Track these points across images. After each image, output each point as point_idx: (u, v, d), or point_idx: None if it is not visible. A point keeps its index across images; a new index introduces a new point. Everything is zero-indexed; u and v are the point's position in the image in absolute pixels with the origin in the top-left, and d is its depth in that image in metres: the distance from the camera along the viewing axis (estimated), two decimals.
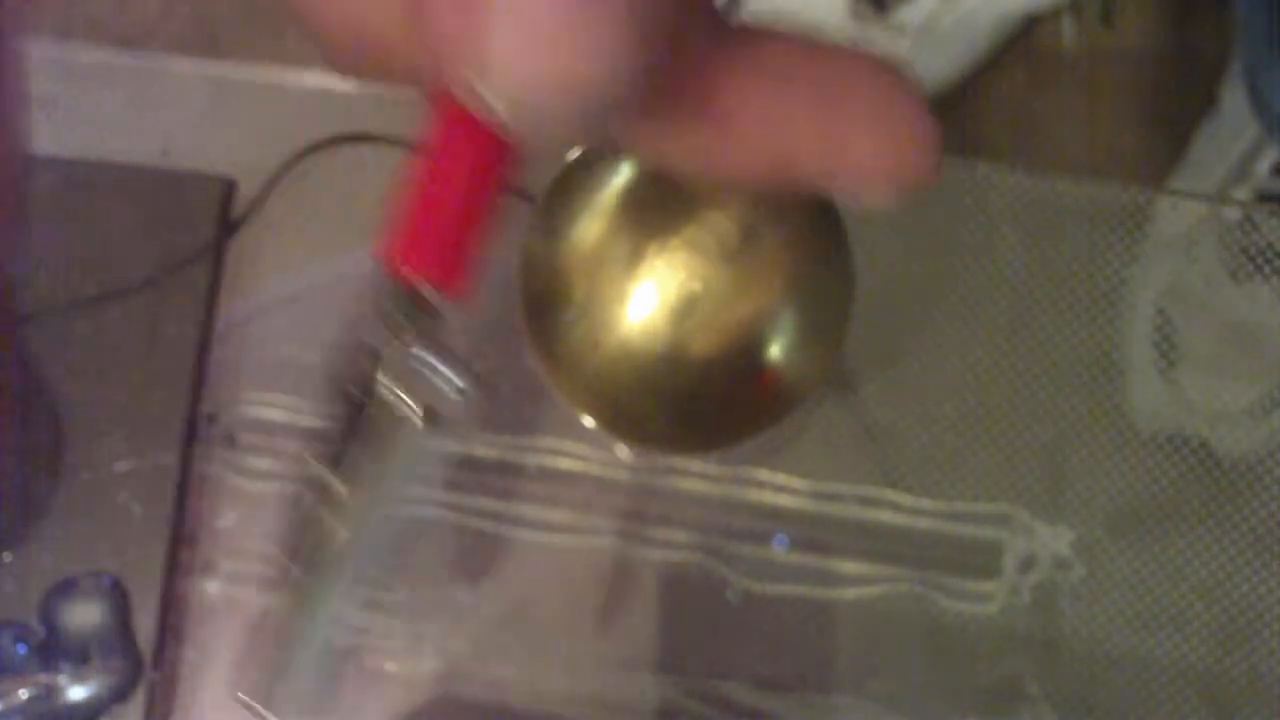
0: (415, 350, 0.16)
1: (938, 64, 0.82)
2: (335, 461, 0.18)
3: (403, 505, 0.17)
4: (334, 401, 0.18)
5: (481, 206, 0.16)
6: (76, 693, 0.44)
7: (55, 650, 0.44)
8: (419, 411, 0.17)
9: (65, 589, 0.45)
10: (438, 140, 0.16)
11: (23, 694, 0.43)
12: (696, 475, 0.46)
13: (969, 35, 0.82)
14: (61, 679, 0.44)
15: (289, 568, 0.18)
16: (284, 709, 0.17)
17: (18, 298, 0.46)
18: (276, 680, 0.17)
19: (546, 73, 0.13)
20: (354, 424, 0.17)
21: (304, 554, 0.18)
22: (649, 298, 0.38)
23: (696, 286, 0.38)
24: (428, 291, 0.17)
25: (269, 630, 0.18)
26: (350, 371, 0.18)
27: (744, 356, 0.38)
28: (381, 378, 0.17)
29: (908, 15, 0.79)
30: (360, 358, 0.18)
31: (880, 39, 0.79)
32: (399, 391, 0.16)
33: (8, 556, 0.45)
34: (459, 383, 0.17)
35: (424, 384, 0.17)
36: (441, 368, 0.17)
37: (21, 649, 0.44)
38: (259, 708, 0.17)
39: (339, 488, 0.17)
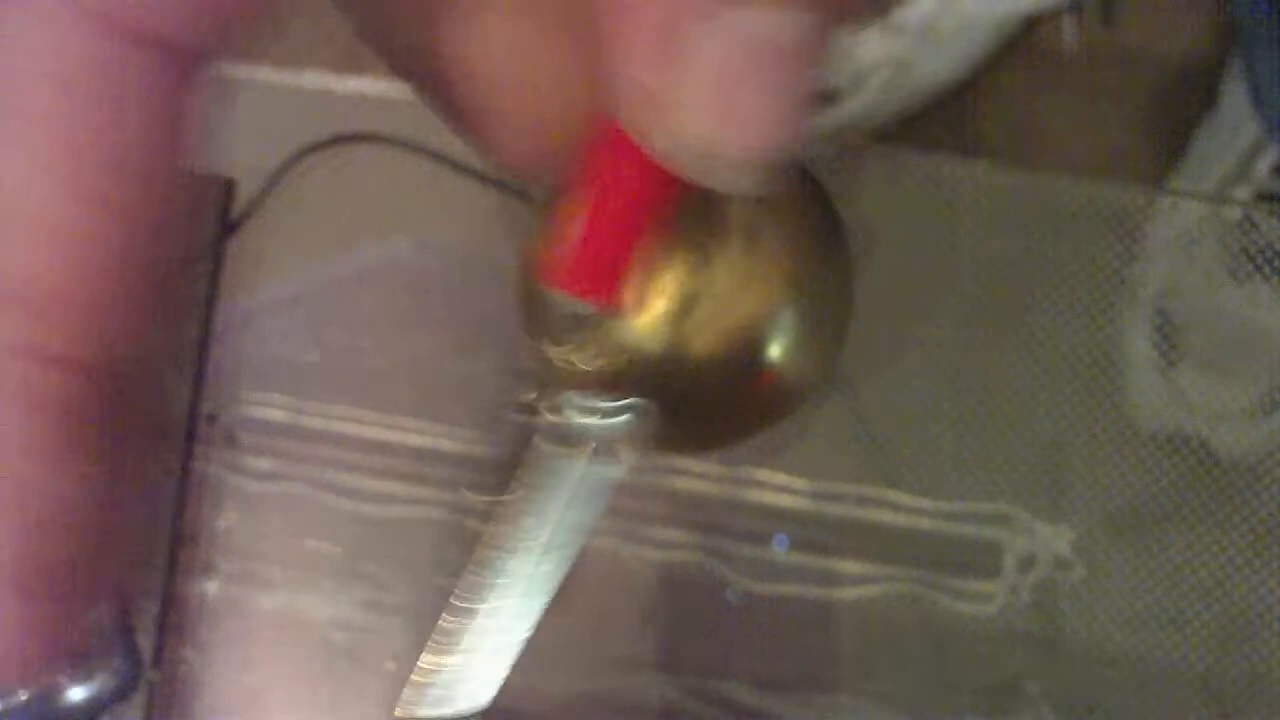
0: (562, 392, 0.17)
1: (938, 64, 0.82)
2: (498, 490, 0.18)
3: (571, 535, 0.17)
4: (498, 429, 0.19)
5: (642, 232, 0.18)
6: (76, 693, 0.44)
7: None
8: (586, 440, 0.17)
9: None
10: (604, 170, 0.17)
11: (23, 694, 0.43)
12: (696, 475, 0.46)
13: (969, 35, 0.82)
14: (61, 679, 0.44)
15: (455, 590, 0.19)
16: None
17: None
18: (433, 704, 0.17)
19: (734, 139, 0.15)
20: (519, 452, 0.18)
21: (468, 580, 0.19)
22: (649, 298, 0.38)
23: (696, 286, 0.38)
24: (588, 310, 0.18)
25: (428, 650, 0.18)
26: (514, 399, 0.19)
27: (744, 356, 0.38)
28: (546, 405, 0.17)
29: (908, 15, 0.79)
30: (524, 385, 0.18)
31: (880, 39, 0.79)
32: (565, 418, 0.17)
33: None
34: (624, 408, 0.17)
35: (589, 411, 0.17)
36: (605, 395, 0.17)
37: None
38: None
39: (502, 518, 0.17)
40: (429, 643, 0.18)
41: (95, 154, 0.15)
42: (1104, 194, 0.48)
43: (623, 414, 0.17)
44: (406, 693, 0.18)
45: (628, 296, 0.18)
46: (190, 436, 0.46)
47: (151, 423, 0.18)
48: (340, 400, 0.47)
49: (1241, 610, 0.46)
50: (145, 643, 0.44)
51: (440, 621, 0.18)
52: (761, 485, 0.46)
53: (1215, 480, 0.46)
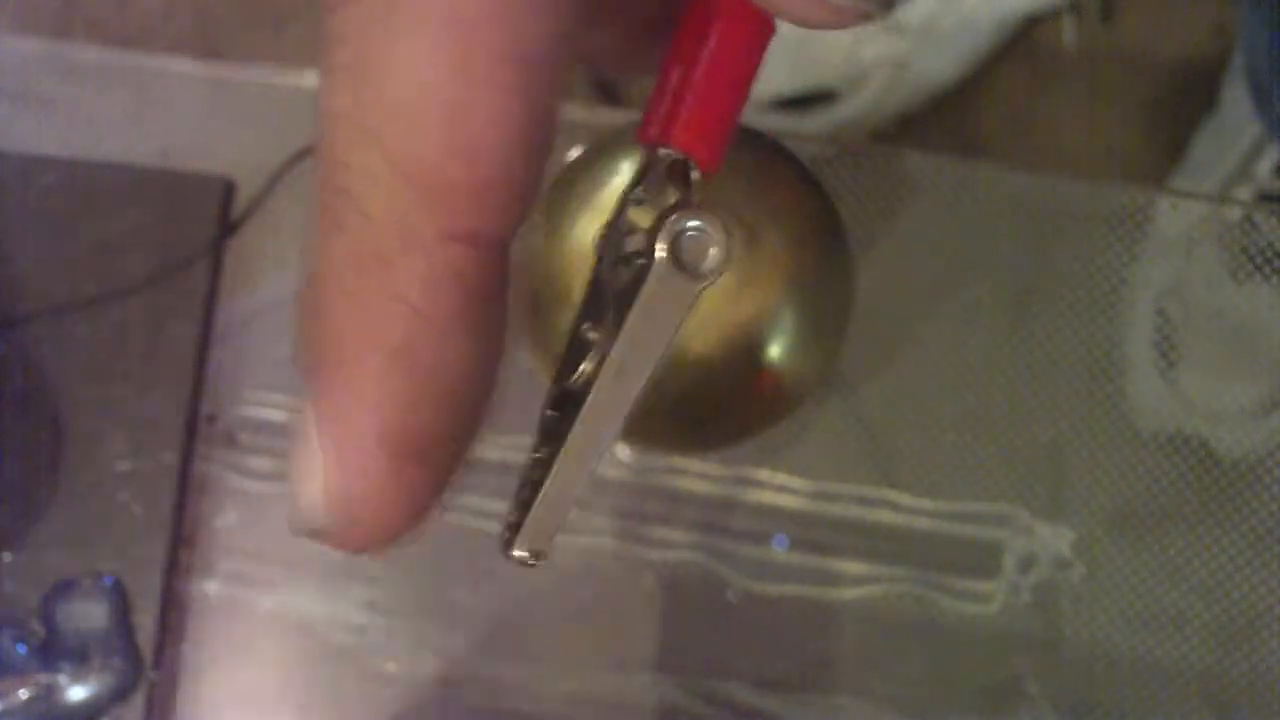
0: (676, 211, 0.18)
1: (938, 64, 0.82)
2: (597, 326, 0.19)
3: (659, 359, 0.18)
4: (603, 267, 0.19)
5: (744, 88, 0.18)
6: (76, 693, 0.44)
7: (55, 650, 0.44)
8: (683, 265, 0.18)
9: (65, 589, 0.45)
10: (704, 28, 0.18)
11: (23, 694, 0.43)
12: (696, 475, 0.46)
13: (969, 35, 0.82)
14: (61, 679, 0.44)
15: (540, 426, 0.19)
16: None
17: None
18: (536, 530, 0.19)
19: None
20: (621, 286, 0.19)
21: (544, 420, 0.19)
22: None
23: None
24: (689, 164, 0.18)
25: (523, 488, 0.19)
26: (613, 237, 0.19)
27: (744, 356, 0.38)
28: (644, 239, 0.18)
29: (908, 15, 0.79)
30: (622, 225, 0.19)
31: (880, 39, 0.79)
32: (665, 250, 0.17)
33: (8, 556, 0.45)
34: (721, 237, 0.18)
35: (686, 241, 0.18)
36: (703, 225, 0.18)
37: (21, 649, 0.44)
38: (536, 559, 0.19)
39: (606, 344, 0.18)
40: (517, 490, 0.19)
41: (485, 32, 0.15)
42: (1104, 194, 0.48)
43: (721, 238, 0.18)
44: (507, 536, 0.19)
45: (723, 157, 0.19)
46: (190, 436, 0.46)
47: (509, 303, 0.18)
48: None
49: (1241, 610, 0.46)
50: (145, 643, 0.44)
51: (524, 464, 0.19)
52: (761, 485, 0.46)
53: (1215, 480, 0.46)
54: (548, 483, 0.18)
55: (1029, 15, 0.84)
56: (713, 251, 0.18)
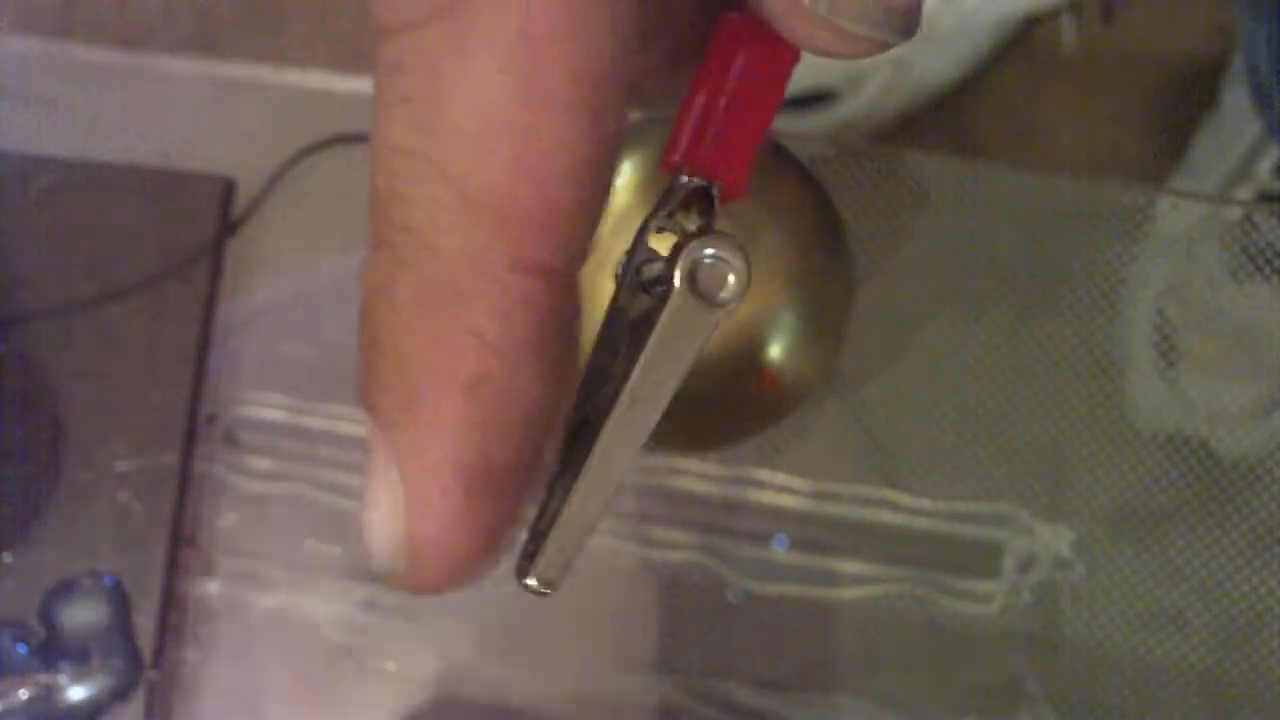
0: (696, 238, 0.18)
1: (938, 64, 0.82)
2: (615, 353, 0.19)
3: (675, 387, 0.18)
4: (622, 294, 0.19)
5: (769, 113, 0.18)
6: (76, 693, 0.44)
7: (55, 650, 0.44)
8: (700, 293, 0.17)
9: (65, 589, 0.45)
10: (729, 55, 0.18)
11: (23, 694, 0.43)
12: (696, 475, 0.46)
13: (969, 35, 0.82)
14: (61, 679, 0.44)
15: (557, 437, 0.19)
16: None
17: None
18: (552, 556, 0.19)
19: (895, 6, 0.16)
20: (640, 314, 0.19)
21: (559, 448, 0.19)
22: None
23: None
24: (711, 190, 0.18)
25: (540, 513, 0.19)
26: (634, 266, 0.19)
27: (744, 356, 0.38)
28: (663, 267, 0.18)
29: None
30: (641, 252, 0.19)
31: None
32: (682, 278, 0.17)
33: (8, 556, 0.45)
34: (740, 265, 0.18)
35: (704, 269, 0.18)
36: (721, 253, 0.18)
37: (21, 649, 0.44)
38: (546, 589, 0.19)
39: (626, 372, 0.18)
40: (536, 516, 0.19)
41: (556, 52, 0.15)
42: (1104, 194, 0.48)
43: (738, 266, 0.18)
44: (522, 564, 0.19)
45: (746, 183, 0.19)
46: (190, 436, 0.46)
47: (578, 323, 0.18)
48: (340, 400, 0.47)
49: (1241, 610, 0.46)
50: (145, 643, 0.44)
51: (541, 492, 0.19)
52: (761, 485, 0.46)
53: (1215, 480, 0.46)
54: (564, 512, 0.18)
55: (1029, 15, 0.84)
56: (731, 279, 0.18)
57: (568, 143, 0.15)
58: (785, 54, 0.18)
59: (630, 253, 0.19)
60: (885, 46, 0.16)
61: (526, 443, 0.17)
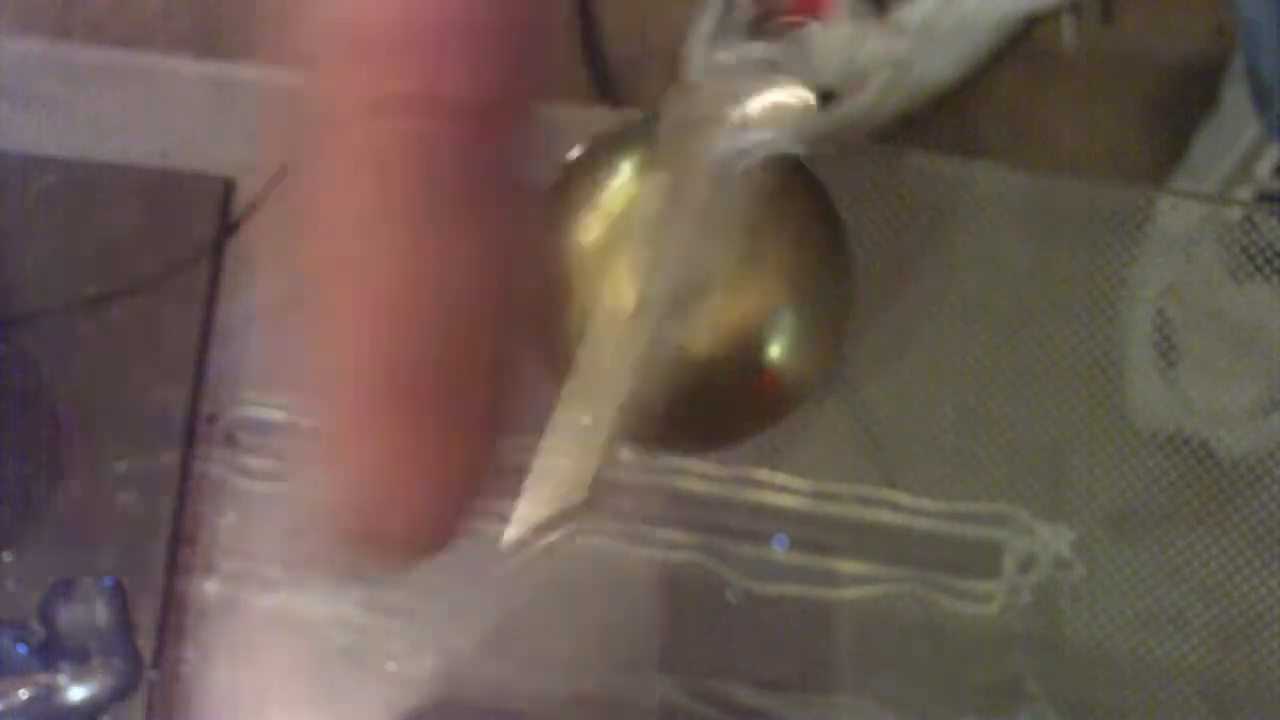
0: (764, 56, 0.14)
1: (938, 64, 0.82)
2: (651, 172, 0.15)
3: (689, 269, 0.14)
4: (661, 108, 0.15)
5: None
6: (76, 693, 0.44)
7: (55, 650, 0.44)
8: (759, 114, 0.14)
9: (65, 589, 0.44)
10: None
11: (23, 694, 0.43)
12: (696, 475, 0.46)
13: (969, 35, 0.82)
14: (61, 679, 0.44)
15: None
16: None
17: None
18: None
19: None
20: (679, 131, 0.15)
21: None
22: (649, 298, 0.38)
23: (697, 286, 0.38)
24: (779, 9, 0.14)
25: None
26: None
27: (744, 356, 0.38)
28: (722, 86, 0.14)
29: (908, 15, 0.79)
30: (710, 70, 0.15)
31: (880, 39, 0.79)
32: (735, 96, 0.14)
33: (8, 556, 0.45)
34: (803, 92, 0.14)
35: (768, 91, 0.14)
36: (787, 77, 0.14)
37: (21, 649, 0.44)
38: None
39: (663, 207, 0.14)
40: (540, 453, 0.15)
41: None
42: (1104, 194, 0.48)
43: (802, 93, 0.14)
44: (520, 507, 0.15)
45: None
46: (190, 436, 0.46)
47: (526, 179, 0.13)
48: None
49: (1241, 610, 0.46)
50: (145, 643, 0.44)
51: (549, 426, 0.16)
52: (761, 485, 0.46)
53: (1215, 480, 0.46)
54: (541, 453, 0.15)
55: (1029, 15, 0.84)
56: (784, 99, 0.13)
57: None
58: None
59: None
60: None
61: (457, 338, 0.13)
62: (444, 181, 0.12)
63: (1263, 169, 0.73)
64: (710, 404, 0.39)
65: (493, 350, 0.13)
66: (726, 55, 0.13)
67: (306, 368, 0.13)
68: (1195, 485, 0.46)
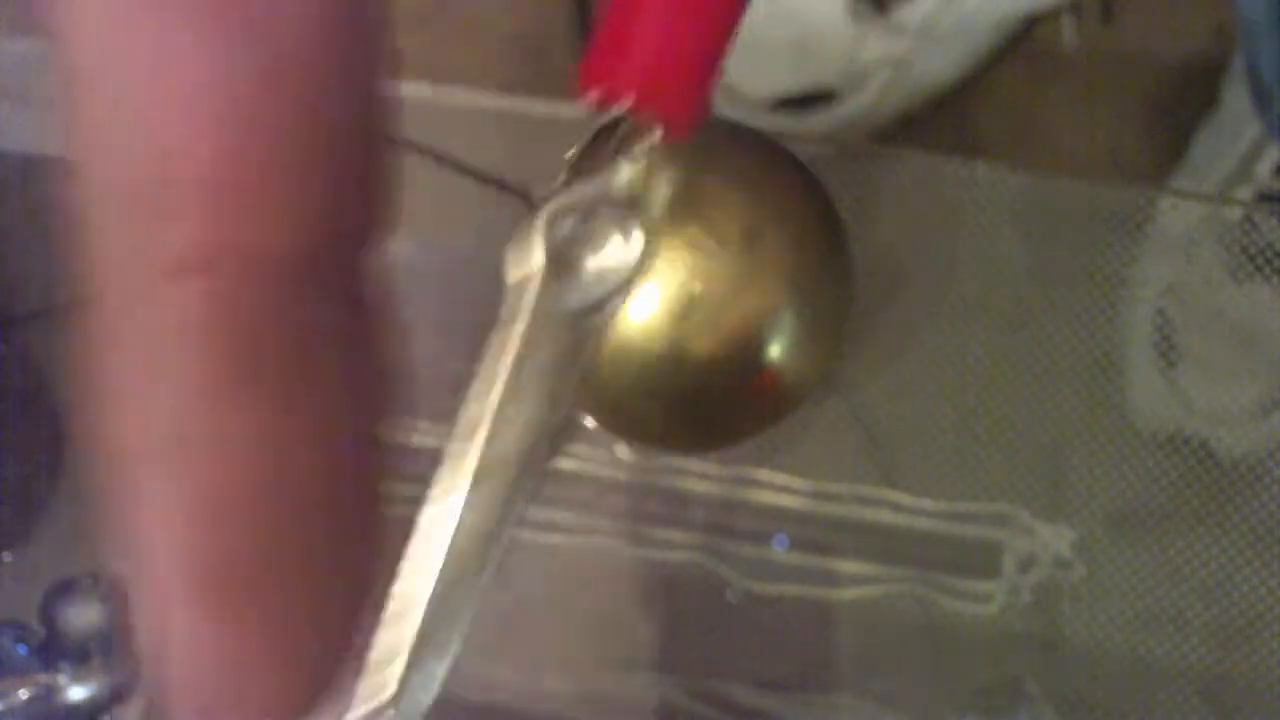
0: (594, 192, 0.12)
1: (938, 64, 0.82)
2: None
3: (555, 404, 0.12)
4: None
5: (716, 20, 0.12)
6: (76, 693, 0.44)
7: (55, 650, 0.44)
8: (568, 278, 0.12)
9: (65, 589, 0.44)
10: None
11: (23, 694, 0.43)
12: (696, 475, 0.46)
13: (969, 35, 0.82)
14: (61, 679, 0.44)
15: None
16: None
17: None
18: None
19: None
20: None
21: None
22: (649, 297, 0.38)
23: (696, 286, 0.38)
24: (643, 121, 0.12)
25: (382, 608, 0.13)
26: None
27: (744, 356, 0.38)
28: (548, 225, 0.12)
29: (908, 15, 0.79)
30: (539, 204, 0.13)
31: (880, 39, 0.79)
32: (541, 249, 0.12)
33: (8, 556, 0.45)
34: (637, 243, 0.12)
35: (596, 239, 0.12)
36: (627, 217, 0.12)
37: (21, 649, 0.44)
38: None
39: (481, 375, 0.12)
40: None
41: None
42: (1104, 194, 0.48)
43: (636, 244, 0.12)
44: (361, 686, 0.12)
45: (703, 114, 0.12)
46: None
47: (373, 331, 0.12)
48: None
49: (1241, 610, 0.46)
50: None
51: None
52: (761, 485, 0.46)
53: (1215, 480, 0.46)
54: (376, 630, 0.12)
55: (1029, 15, 0.84)
56: (618, 258, 0.12)
57: (216, 73, 0.10)
58: None
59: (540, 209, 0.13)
60: None
61: (284, 519, 0.11)
62: (260, 350, 0.11)
63: (1263, 169, 0.73)
64: (710, 404, 0.39)
65: (335, 528, 0.11)
66: (565, 197, 0.11)
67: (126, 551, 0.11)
68: (1195, 485, 0.46)
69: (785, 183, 0.39)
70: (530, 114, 0.47)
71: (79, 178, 0.11)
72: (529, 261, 0.12)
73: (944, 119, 0.84)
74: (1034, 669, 0.45)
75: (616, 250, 0.12)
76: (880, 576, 0.46)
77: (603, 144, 0.13)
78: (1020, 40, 0.85)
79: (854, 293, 0.41)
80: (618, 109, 0.13)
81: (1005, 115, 0.85)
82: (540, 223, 0.12)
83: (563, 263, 0.12)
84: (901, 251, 0.47)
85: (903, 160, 0.48)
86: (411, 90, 0.47)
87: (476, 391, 0.13)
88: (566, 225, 0.12)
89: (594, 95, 0.13)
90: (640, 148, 0.13)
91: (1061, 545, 0.46)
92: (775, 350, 0.39)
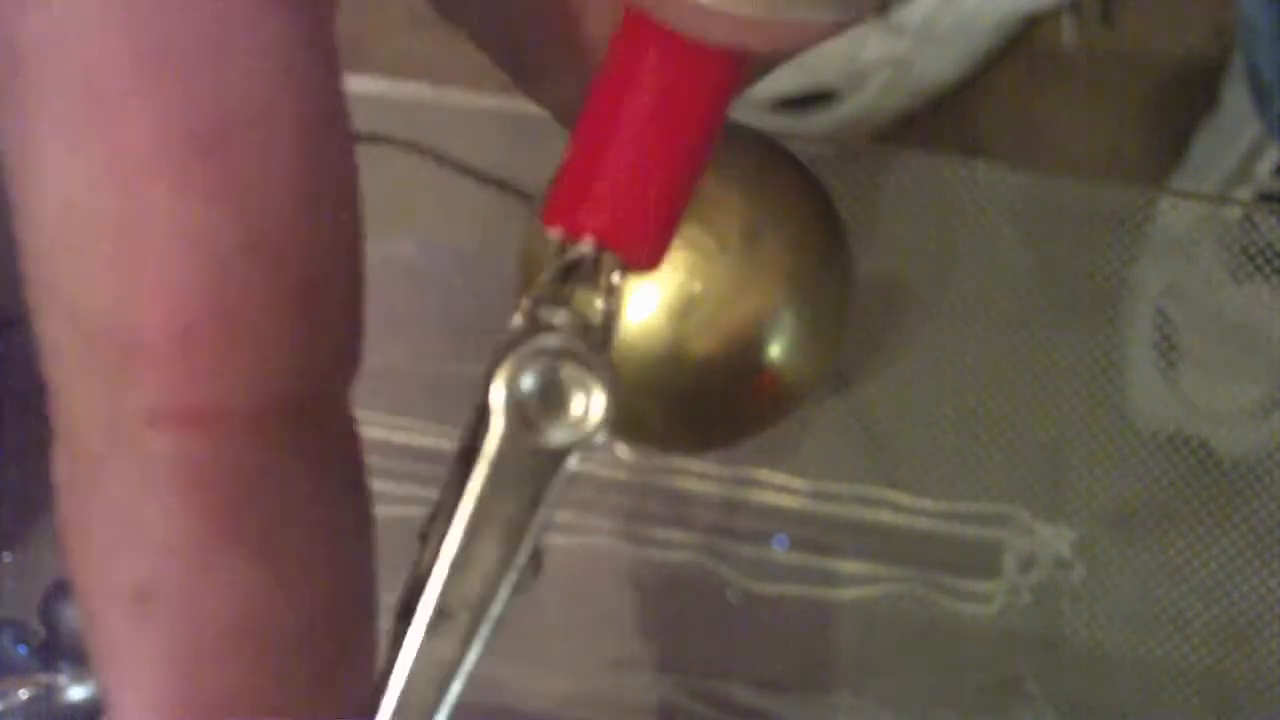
0: (562, 344, 0.12)
1: (938, 64, 0.82)
2: (453, 490, 0.13)
3: (524, 542, 0.13)
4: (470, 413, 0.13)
5: (697, 144, 0.12)
6: (76, 693, 0.44)
7: (55, 650, 0.44)
8: (549, 429, 0.12)
9: (65, 589, 0.44)
10: (632, 62, 0.12)
11: (23, 694, 0.43)
12: (696, 475, 0.46)
13: (969, 35, 0.82)
14: (61, 679, 0.44)
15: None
16: None
17: None
18: None
19: None
20: (475, 439, 0.13)
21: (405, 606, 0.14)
22: (649, 297, 0.38)
23: (696, 286, 0.38)
24: (605, 261, 0.13)
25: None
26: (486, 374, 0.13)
27: (744, 356, 0.38)
28: (509, 382, 0.12)
29: (908, 15, 0.79)
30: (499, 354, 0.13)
31: (880, 39, 0.79)
32: (502, 400, 0.12)
33: (8, 556, 0.45)
34: (602, 397, 0.12)
35: (563, 391, 0.12)
36: (590, 372, 0.12)
37: (21, 649, 0.44)
38: None
39: (445, 523, 0.13)
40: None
41: (137, 108, 0.11)
42: (1104, 194, 0.48)
43: (602, 398, 0.12)
44: None
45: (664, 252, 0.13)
46: None
47: (351, 473, 0.12)
48: None
49: (1241, 610, 0.46)
50: None
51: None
52: (761, 485, 0.46)
53: (1215, 480, 0.46)
54: None
55: (1029, 15, 0.84)
56: (580, 412, 0.12)
57: (187, 231, 0.11)
58: (715, 60, 0.12)
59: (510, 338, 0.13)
60: (826, 30, 0.11)
61: (262, 662, 0.11)
62: (234, 503, 0.11)
63: (1263, 169, 0.73)
64: (710, 404, 0.39)
65: (316, 670, 0.12)
66: (527, 348, 0.11)
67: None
68: (1195, 485, 0.46)
69: (785, 183, 0.39)
70: (530, 114, 0.47)
71: (39, 324, 0.12)
72: (490, 413, 0.12)
73: (944, 119, 0.84)
74: (1034, 669, 0.45)
75: (581, 400, 0.12)
76: (880, 576, 0.46)
77: (562, 280, 0.13)
78: (1020, 40, 0.85)
79: (854, 293, 0.41)
80: (581, 248, 0.13)
81: (1005, 115, 0.85)
82: (502, 376, 0.12)
83: (525, 416, 0.12)
84: (901, 251, 0.47)
85: (903, 160, 0.48)
86: (411, 90, 0.47)
87: (436, 530, 0.13)
88: (529, 378, 0.12)
89: (556, 232, 0.13)
90: (603, 283, 0.13)
91: (1061, 545, 0.46)
92: (775, 350, 0.39)
